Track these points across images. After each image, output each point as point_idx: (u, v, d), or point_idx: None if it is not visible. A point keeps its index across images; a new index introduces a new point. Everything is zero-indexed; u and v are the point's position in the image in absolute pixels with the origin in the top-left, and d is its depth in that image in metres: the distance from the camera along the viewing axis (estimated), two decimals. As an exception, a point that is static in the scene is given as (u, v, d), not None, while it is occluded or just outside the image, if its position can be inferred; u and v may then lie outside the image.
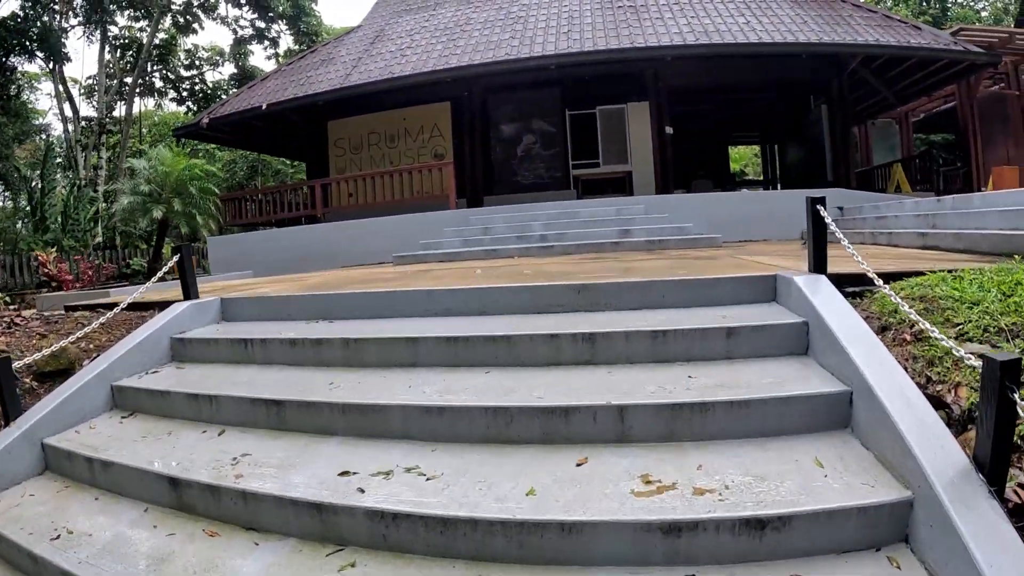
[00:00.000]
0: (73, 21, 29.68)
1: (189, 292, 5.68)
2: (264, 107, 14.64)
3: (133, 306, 5.84)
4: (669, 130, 13.84)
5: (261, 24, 29.13)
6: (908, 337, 3.50)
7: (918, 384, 2.89)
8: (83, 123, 29.62)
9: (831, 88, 14.29)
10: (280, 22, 28.98)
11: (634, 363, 3.56)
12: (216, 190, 12.96)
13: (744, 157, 34.90)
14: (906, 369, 3.11)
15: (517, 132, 14.52)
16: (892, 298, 3.40)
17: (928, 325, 2.94)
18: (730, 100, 19.22)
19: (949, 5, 33.36)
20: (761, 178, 24.40)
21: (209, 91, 33.04)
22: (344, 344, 4.22)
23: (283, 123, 16.59)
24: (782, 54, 12.84)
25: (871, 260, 3.93)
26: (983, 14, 34.83)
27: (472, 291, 4.57)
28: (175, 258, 5.65)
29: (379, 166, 15.41)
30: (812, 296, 3.68)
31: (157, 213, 11.92)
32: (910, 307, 3.26)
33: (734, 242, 10.94)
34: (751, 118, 21.09)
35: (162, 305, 5.67)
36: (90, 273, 13.48)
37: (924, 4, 31.28)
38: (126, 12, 30.67)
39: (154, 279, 5.76)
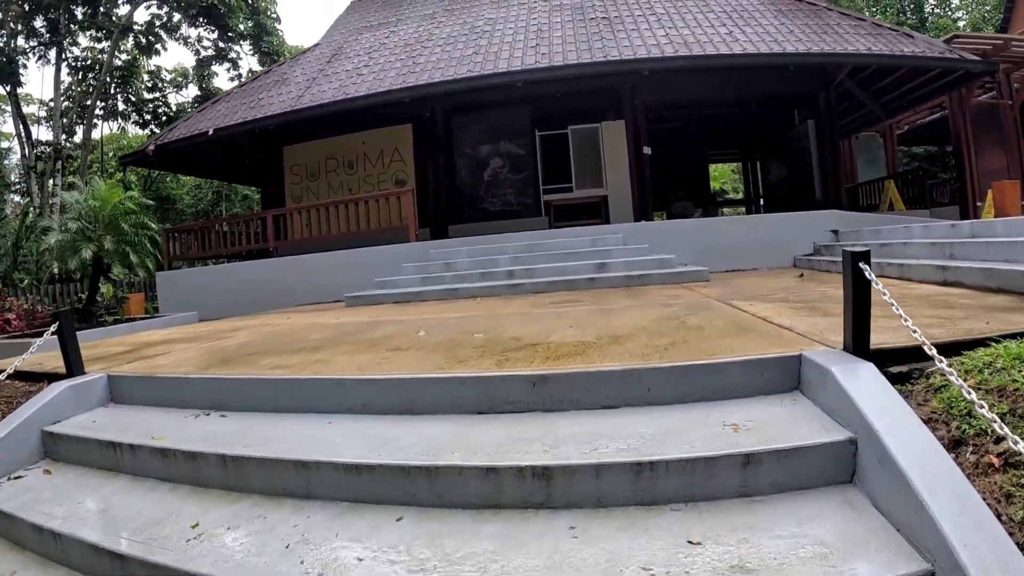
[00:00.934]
0: (34, 42, 28.54)
1: (72, 368, 4.52)
2: (211, 132, 13.50)
3: (20, 375, 4.73)
4: (647, 150, 12.85)
5: (222, 44, 27.95)
6: (995, 462, 2.43)
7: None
8: (40, 148, 28.29)
9: (818, 102, 13.38)
10: (241, 43, 27.85)
11: (608, 508, 2.46)
12: (153, 225, 11.70)
13: (723, 175, 34.21)
14: (1000, 517, 2.06)
15: (484, 155, 13.49)
16: (964, 392, 2.37)
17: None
18: (709, 116, 18.42)
19: (927, 15, 32.97)
20: (742, 197, 23.55)
21: (172, 113, 31.80)
22: (222, 462, 3.10)
23: (236, 148, 15.44)
24: (768, 66, 11.92)
25: (897, 310, 2.86)
26: (960, 23, 34.51)
27: (395, 382, 3.45)
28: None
29: (337, 194, 14.32)
30: (856, 394, 2.62)
31: (87, 253, 10.66)
32: (987, 402, 2.25)
33: (721, 272, 9.96)
34: (731, 134, 20.26)
35: (52, 377, 4.55)
36: (17, 317, 12.16)
37: (902, 16, 30.82)
38: (88, 32, 29.54)
39: (47, 334, 4.54)
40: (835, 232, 10.73)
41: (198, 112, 15.84)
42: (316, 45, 16.70)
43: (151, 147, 14.64)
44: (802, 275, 8.58)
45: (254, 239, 13.31)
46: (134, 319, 11.32)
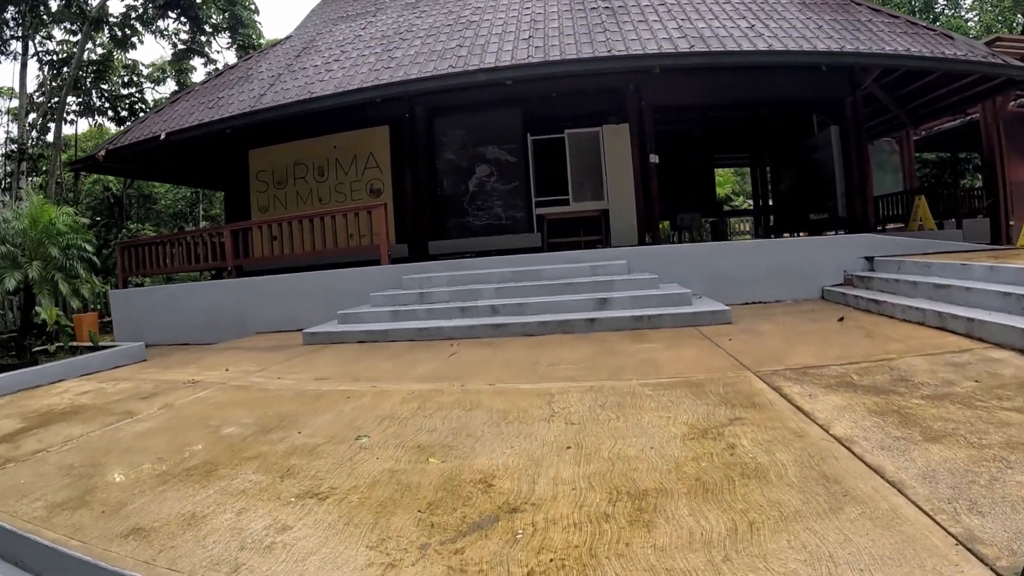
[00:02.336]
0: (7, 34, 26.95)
1: None
2: (162, 137, 11.99)
3: None
4: (654, 158, 11.38)
5: (195, 37, 26.34)
6: None
7: None
8: (8, 148, 26.74)
9: (844, 106, 11.91)
10: (216, 35, 26.20)
11: None
12: (89, 247, 10.16)
13: (727, 180, 32.63)
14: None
15: (469, 162, 11.99)
16: None
17: None
18: (716, 118, 16.95)
19: (937, 15, 31.52)
20: (750, 206, 22.06)
21: (150, 109, 30.10)
22: None
23: (197, 152, 13.93)
24: (792, 65, 10.44)
25: None
26: (970, 24, 33.08)
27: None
28: None
29: (306, 204, 12.84)
30: None
31: (10, 283, 9.12)
32: None
33: (740, 306, 8.58)
34: (739, 137, 18.77)
35: None
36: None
37: (913, 15, 29.35)
38: (63, 25, 27.88)
39: None
40: (869, 260, 9.29)
41: (155, 113, 14.32)
42: (288, 37, 15.18)
43: (102, 152, 13.12)
44: (842, 319, 7.15)
45: (211, 256, 11.80)
46: (78, 348, 9.79)
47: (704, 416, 3.63)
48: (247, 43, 24.99)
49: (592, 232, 11.74)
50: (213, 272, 12.35)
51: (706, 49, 9.59)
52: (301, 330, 9.83)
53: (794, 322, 7.22)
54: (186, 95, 14.25)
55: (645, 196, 11.27)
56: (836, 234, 10.52)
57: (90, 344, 11.19)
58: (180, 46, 26.16)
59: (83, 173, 25.56)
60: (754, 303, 9.11)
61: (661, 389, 4.31)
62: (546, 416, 3.91)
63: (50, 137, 27.68)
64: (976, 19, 33.83)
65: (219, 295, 11.09)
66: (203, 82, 14.96)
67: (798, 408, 3.65)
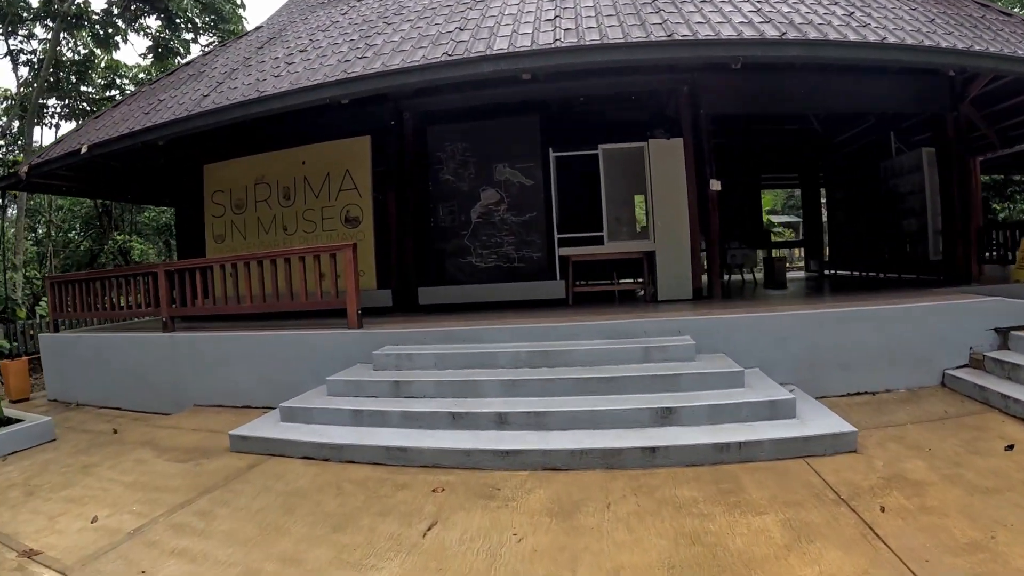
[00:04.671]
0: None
1: None
2: (84, 151, 9.36)
3: None
4: (716, 184, 8.66)
5: (174, 35, 23.89)
6: None
7: None
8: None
9: (944, 123, 9.16)
10: (200, 34, 23.68)
11: None
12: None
13: (766, 202, 29.39)
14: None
15: (472, 185, 9.20)
16: None
17: None
18: (765, 131, 14.16)
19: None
20: (798, 237, 19.18)
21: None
22: None
23: (143, 163, 11.31)
24: (907, 67, 7.78)
25: None
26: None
27: None
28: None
29: (269, 234, 10.17)
30: None
31: None
32: None
33: (839, 399, 6.08)
34: (790, 156, 15.97)
35: None
36: None
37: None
38: (45, 23, 25.49)
39: None
40: (1000, 332, 6.45)
41: (94, 119, 11.70)
42: (257, 27, 12.54)
43: (24, 169, 10.48)
44: (1011, 447, 4.45)
45: (146, 301, 9.09)
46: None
47: None
48: (227, 40, 22.39)
49: (632, 275, 9.01)
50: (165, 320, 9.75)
51: (803, 38, 6.80)
52: (247, 407, 7.30)
53: (940, 445, 4.64)
54: (129, 98, 11.63)
55: (706, 234, 8.55)
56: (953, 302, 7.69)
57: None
58: (156, 46, 23.58)
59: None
60: (858, 394, 6.34)
61: None
62: None
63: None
64: None
65: (147, 353, 8.50)
66: (152, 82, 12.33)
67: None
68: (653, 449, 4.54)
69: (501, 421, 5.12)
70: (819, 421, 4.93)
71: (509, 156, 9.00)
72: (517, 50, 6.64)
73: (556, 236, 8.87)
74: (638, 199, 9.95)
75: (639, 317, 6.77)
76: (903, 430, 5.12)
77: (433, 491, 4.33)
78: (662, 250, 8.64)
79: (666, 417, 4.97)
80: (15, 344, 13.48)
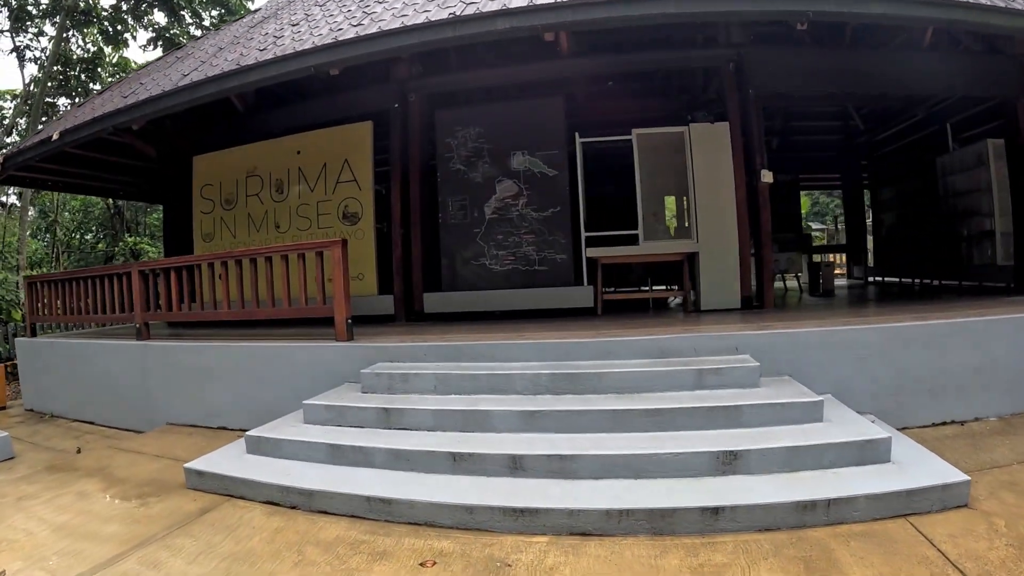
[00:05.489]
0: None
1: None
2: (55, 137, 8.40)
3: None
4: (767, 176, 7.47)
5: (178, 26, 23.15)
6: None
7: None
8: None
9: (1015, 109, 7.88)
10: (206, 32, 22.89)
11: None
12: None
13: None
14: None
15: (486, 175, 8.02)
16: None
17: None
18: (804, 128, 13.02)
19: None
20: (840, 242, 17.77)
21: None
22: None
23: (130, 157, 10.36)
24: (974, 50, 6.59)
25: None
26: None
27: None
28: None
29: (260, 232, 9.15)
30: None
31: None
32: None
33: (928, 431, 4.83)
34: (831, 152, 14.66)
35: None
36: None
37: None
38: (54, 20, 24.82)
39: None
40: None
41: (76, 108, 10.76)
42: (256, 10, 11.52)
43: (-3, 158, 9.56)
44: None
45: (119, 305, 8.06)
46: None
47: None
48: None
49: (661, 281, 7.83)
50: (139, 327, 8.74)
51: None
52: (223, 429, 6.45)
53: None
54: (113, 85, 10.68)
55: (756, 234, 7.37)
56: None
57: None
58: (158, 37, 22.91)
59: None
60: (945, 424, 5.14)
61: None
62: None
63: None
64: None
65: (119, 363, 7.51)
66: (141, 67, 11.36)
67: None
68: (716, 510, 3.37)
69: (515, 466, 3.96)
70: (920, 466, 3.75)
71: (529, 143, 7.82)
72: (536, 2, 5.45)
73: (584, 234, 7.67)
74: (674, 195, 8.78)
75: (685, 331, 5.58)
76: (1012, 473, 4.01)
77: (421, 565, 3.20)
78: (706, 251, 7.44)
79: (730, 463, 3.79)
80: (7, 347, 12.64)
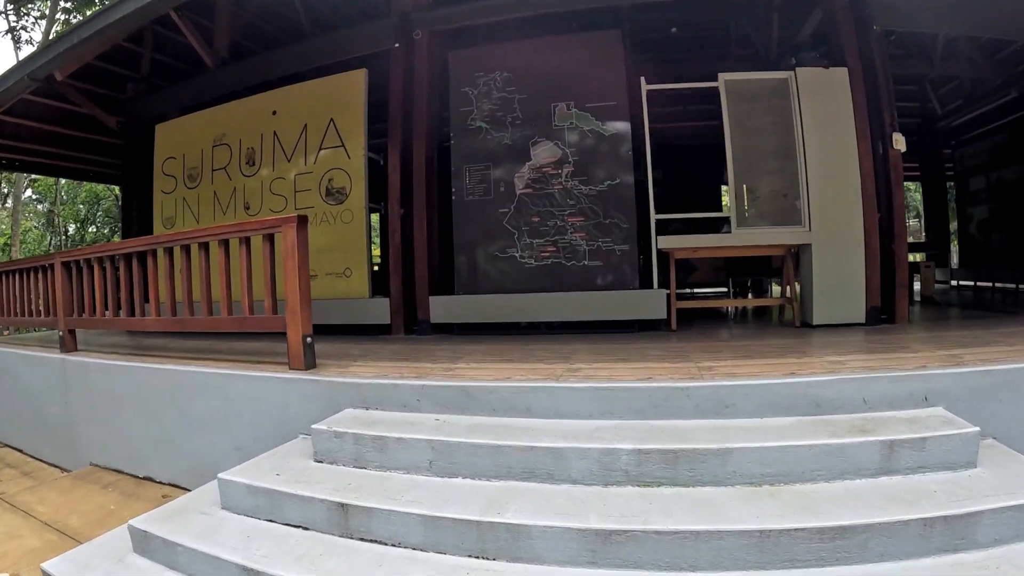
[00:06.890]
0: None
1: None
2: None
3: None
4: (900, 142, 5.39)
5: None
6: None
7: None
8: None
9: None
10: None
11: None
12: None
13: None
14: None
15: (517, 137, 5.96)
16: None
17: None
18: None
19: None
20: (918, 240, 15.47)
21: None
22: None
23: (100, 132, 8.66)
24: None
25: None
26: None
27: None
28: None
29: (227, 213, 7.45)
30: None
31: None
32: None
33: None
34: (911, 134, 12.53)
35: None
36: None
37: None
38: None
39: None
40: None
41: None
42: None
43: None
44: None
45: (44, 307, 6.20)
46: None
47: None
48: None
49: (768, 273, 5.79)
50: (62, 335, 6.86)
51: None
52: (148, 479, 4.76)
53: None
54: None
55: (889, 216, 5.29)
56: None
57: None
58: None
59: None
60: None
61: None
62: None
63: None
64: None
65: (40, 380, 5.77)
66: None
67: None
68: None
69: None
70: None
71: (577, 92, 5.71)
72: None
73: (653, 217, 5.52)
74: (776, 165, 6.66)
75: (835, 369, 3.45)
76: None
77: None
78: (821, 243, 5.33)
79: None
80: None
